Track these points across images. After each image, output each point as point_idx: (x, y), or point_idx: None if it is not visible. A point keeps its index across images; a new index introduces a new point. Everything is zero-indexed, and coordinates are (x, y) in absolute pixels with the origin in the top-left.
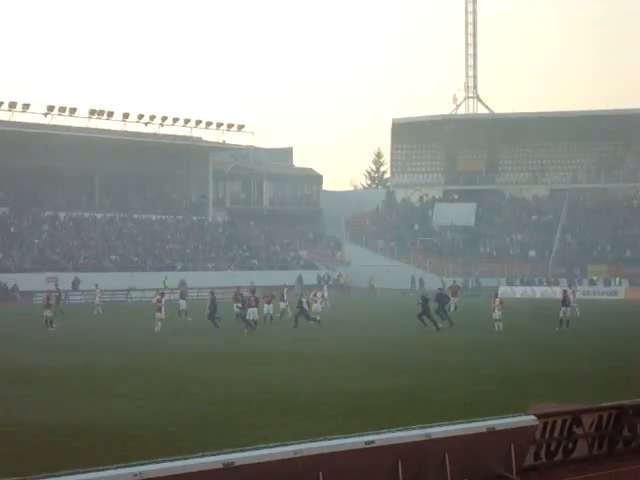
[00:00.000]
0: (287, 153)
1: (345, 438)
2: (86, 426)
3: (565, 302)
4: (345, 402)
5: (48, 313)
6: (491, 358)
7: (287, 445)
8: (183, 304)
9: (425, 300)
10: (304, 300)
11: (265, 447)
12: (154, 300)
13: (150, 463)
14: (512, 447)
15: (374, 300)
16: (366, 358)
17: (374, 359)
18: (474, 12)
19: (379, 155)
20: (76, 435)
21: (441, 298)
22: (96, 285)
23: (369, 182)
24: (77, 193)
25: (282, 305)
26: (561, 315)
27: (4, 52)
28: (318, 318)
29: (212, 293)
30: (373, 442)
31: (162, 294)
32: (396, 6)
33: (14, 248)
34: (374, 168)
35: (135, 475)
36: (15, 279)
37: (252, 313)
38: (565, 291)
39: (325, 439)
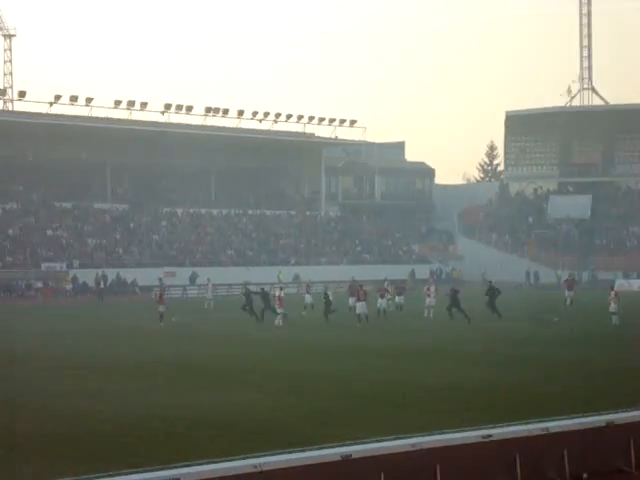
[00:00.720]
0: (399, 147)
1: (463, 432)
2: (203, 419)
3: None
4: (460, 396)
5: (161, 308)
6: (608, 351)
7: (404, 438)
8: (309, 298)
9: (454, 292)
10: (329, 293)
11: (382, 440)
12: (276, 295)
13: (269, 455)
14: (631, 441)
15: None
16: (480, 353)
17: (488, 354)
18: (589, 3)
19: (492, 148)
20: (194, 427)
21: (492, 291)
22: (208, 279)
23: (482, 175)
24: (194, 189)
25: (397, 299)
26: None
27: (123, 52)
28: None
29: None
30: (491, 436)
31: (281, 288)
32: None
33: (133, 244)
34: (487, 161)
35: (255, 467)
36: (134, 274)
37: (361, 307)
38: None
39: (442, 432)
